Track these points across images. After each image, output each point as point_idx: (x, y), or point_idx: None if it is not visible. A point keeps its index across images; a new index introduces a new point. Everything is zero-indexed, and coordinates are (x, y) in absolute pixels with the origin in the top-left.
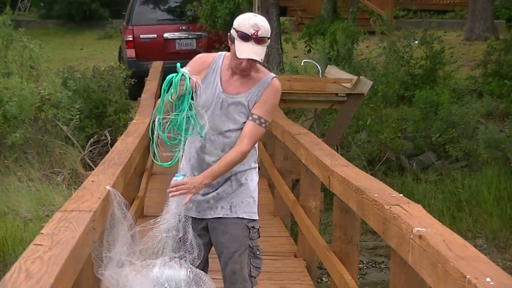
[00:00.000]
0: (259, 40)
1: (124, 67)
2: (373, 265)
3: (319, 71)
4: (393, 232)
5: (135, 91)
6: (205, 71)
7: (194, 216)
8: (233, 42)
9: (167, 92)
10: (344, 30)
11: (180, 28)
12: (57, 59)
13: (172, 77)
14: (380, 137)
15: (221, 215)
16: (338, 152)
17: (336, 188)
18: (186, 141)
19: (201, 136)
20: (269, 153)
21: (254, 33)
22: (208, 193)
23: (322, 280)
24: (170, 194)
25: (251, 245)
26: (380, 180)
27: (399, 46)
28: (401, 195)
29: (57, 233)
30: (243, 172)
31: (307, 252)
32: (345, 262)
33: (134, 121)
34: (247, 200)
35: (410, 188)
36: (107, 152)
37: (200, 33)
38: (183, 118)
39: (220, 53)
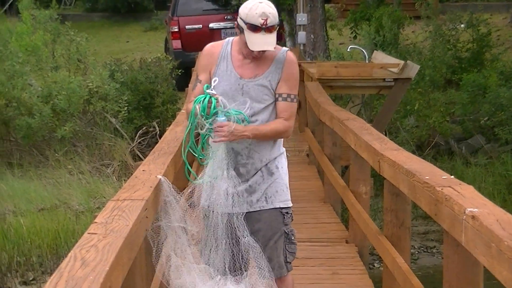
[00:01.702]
0: (269, 29)
1: (170, 58)
2: (425, 250)
3: (365, 56)
4: (446, 214)
5: (182, 82)
6: (216, 62)
7: (228, 212)
8: (242, 31)
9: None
10: (389, 15)
11: (225, 17)
12: (104, 52)
13: (200, 101)
14: (429, 121)
15: (258, 209)
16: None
17: (386, 172)
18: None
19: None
20: (317, 140)
21: (263, 23)
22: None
23: (374, 266)
24: (215, 134)
25: (286, 230)
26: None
27: (445, 30)
28: (452, 176)
29: (110, 221)
30: (273, 160)
31: (358, 237)
32: (397, 246)
33: (182, 111)
34: (281, 189)
35: (460, 172)
36: (156, 143)
37: None
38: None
39: (227, 39)
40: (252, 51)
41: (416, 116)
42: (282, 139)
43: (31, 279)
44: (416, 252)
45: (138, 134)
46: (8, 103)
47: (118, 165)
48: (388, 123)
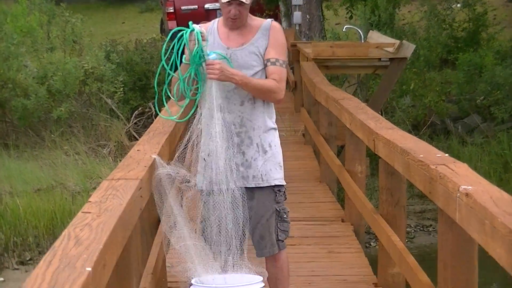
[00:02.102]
0: None
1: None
2: (421, 229)
3: (361, 36)
4: (440, 192)
5: None
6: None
7: (227, 188)
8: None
9: (178, 49)
10: None
11: None
12: (100, 34)
13: (183, 33)
14: (424, 101)
15: (253, 185)
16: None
17: (381, 151)
18: (202, 107)
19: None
20: (313, 120)
21: None
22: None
23: (370, 244)
24: (207, 71)
25: (277, 208)
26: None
27: (440, 10)
28: (447, 155)
29: (104, 201)
30: (266, 136)
31: (354, 216)
32: (393, 225)
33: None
34: (274, 167)
35: (456, 151)
36: (152, 123)
37: None
38: (195, 69)
39: (215, 19)
40: (229, 11)
41: (412, 96)
42: (274, 114)
43: (28, 259)
44: (413, 231)
45: (134, 115)
46: (4, 85)
47: (114, 146)
48: (384, 103)
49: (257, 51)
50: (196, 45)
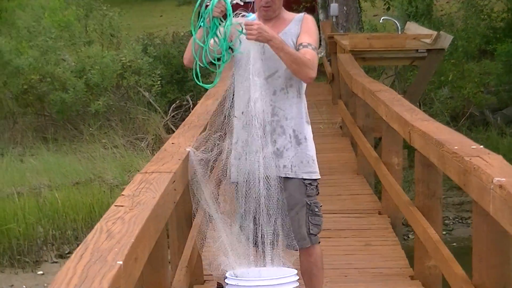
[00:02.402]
0: None
1: None
2: (460, 221)
3: (398, 28)
4: (474, 184)
5: None
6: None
7: (261, 176)
8: None
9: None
10: None
11: None
12: (137, 27)
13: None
14: (463, 92)
15: (283, 175)
16: (420, 109)
17: (416, 143)
18: (235, 96)
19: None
20: (350, 112)
21: None
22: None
23: (409, 237)
24: (247, 31)
25: (308, 202)
26: (464, 135)
27: (478, 0)
28: (482, 146)
29: (137, 194)
30: (300, 126)
31: (391, 209)
32: (429, 217)
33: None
34: (306, 160)
35: (495, 142)
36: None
37: None
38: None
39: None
40: (261, 2)
41: (450, 87)
42: (306, 107)
43: (66, 252)
44: (451, 223)
45: (171, 108)
46: (42, 78)
47: (152, 139)
48: (422, 94)
49: (290, 40)
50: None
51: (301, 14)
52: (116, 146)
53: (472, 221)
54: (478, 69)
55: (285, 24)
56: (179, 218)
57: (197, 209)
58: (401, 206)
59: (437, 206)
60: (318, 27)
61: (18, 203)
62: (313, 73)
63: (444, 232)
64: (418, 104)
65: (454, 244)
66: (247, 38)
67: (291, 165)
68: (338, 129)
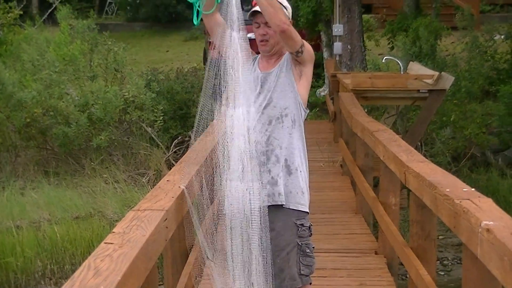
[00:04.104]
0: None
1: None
2: (458, 262)
3: (401, 67)
4: (464, 226)
5: None
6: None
7: (254, 207)
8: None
9: None
10: (426, 26)
11: None
12: (144, 61)
13: None
14: (465, 132)
15: (279, 203)
16: (422, 149)
17: (411, 184)
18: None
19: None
20: (351, 151)
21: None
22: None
23: (406, 277)
24: None
25: (299, 243)
26: (465, 176)
27: (482, 41)
28: (473, 189)
29: (128, 231)
30: (292, 157)
31: (388, 249)
32: (423, 258)
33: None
34: (295, 191)
35: (496, 184)
36: None
37: None
38: None
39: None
40: (258, 30)
41: (453, 127)
42: (304, 140)
43: None
44: (450, 263)
45: (173, 144)
46: (45, 112)
47: (154, 174)
48: (423, 134)
49: (284, 67)
50: None
51: None
52: (117, 181)
53: (463, 265)
54: (480, 110)
55: (281, 59)
56: (174, 254)
57: (191, 247)
58: (396, 246)
59: (431, 247)
60: (322, 65)
61: (17, 236)
62: (287, 21)
63: (442, 273)
64: (419, 144)
65: (452, 285)
66: None
67: (286, 193)
68: (338, 167)
